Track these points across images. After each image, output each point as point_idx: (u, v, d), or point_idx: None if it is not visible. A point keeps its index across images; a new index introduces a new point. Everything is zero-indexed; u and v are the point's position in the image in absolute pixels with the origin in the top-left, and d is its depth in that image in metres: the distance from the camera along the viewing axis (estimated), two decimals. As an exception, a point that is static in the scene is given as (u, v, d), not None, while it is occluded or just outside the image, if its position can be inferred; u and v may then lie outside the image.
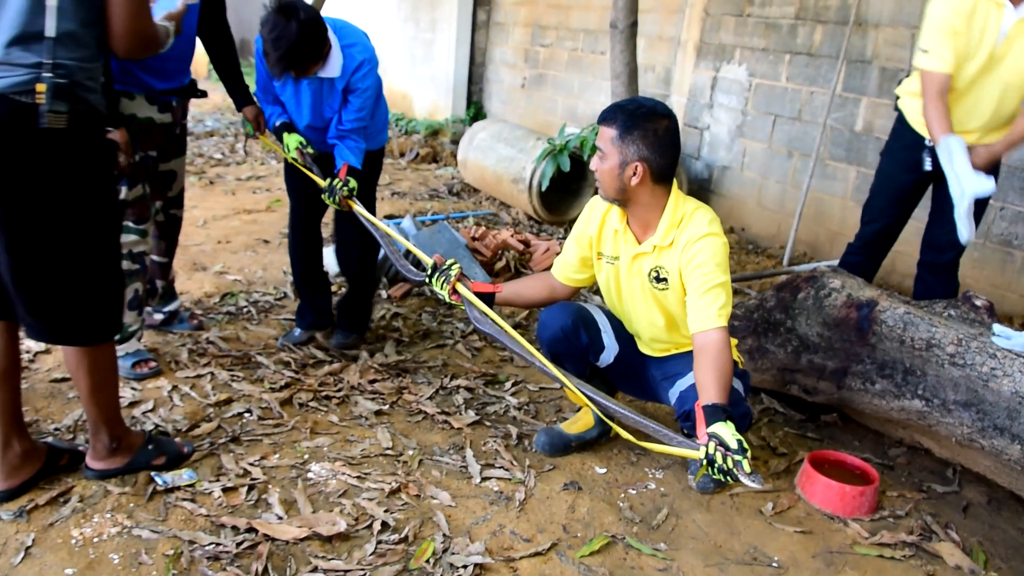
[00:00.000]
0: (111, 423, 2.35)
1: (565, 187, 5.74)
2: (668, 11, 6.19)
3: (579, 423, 2.77)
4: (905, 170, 3.27)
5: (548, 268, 4.52)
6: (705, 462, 1.89)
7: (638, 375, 2.68)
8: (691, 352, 2.56)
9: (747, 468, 1.83)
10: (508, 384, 3.23)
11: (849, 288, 2.96)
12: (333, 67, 2.96)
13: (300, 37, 2.74)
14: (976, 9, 2.89)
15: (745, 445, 1.88)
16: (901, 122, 3.29)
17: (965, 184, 2.88)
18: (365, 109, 3.01)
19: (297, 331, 3.47)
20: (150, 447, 2.45)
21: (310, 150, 3.19)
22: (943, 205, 3.10)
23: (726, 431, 1.91)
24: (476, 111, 8.65)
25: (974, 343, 2.58)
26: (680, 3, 6.06)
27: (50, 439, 2.53)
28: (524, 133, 6.05)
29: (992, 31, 2.90)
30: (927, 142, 3.12)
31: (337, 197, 2.95)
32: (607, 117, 2.33)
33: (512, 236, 4.81)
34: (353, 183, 2.97)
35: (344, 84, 2.98)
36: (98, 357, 2.26)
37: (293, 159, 3.17)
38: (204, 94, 3.16)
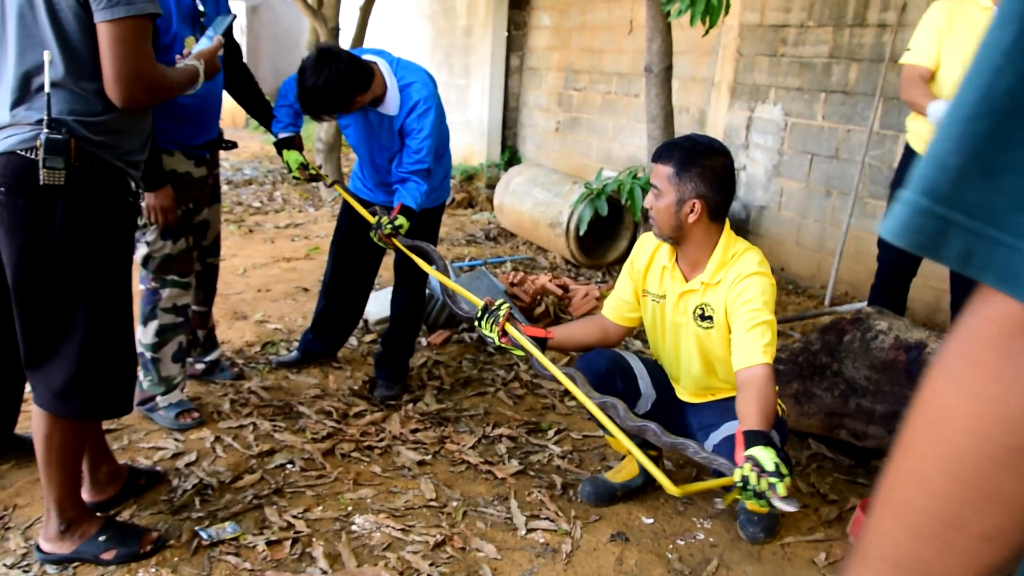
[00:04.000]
0: (62, 505, 2.21)
1: (602, 231, 5.74)
2: (701, 53, 6.21)
3: (624, 471, 2.73)
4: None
5: (588, 312, 4.53)
6: (739, 484, 1.83)
7: (675, 423, 2.63)
8: (728, 400, 2.53)
9: (781, 491, 1.77)
10: (551, 432, 3.19)
11: (897, 330, 2.91)
12: (391, 105, 3.01)
13: (324, 92, 2.85)
14: (967, 11, 3.10)
15: (784, 470, 1.82)
16: (906, 146, 3.45)
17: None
18: (423, 150, 3.01)
19: (294, 354, 3.70)
20: (101, 538, 2.25)
21: (314, 171, 3.32)
22: None
23: (764, 454, 1.85)
24: (511, 155, 8.71)
25: (1030, 385, 2.51)
26: (713, 45, 6.08)
27: (129, 462, 2.70)
28: (560, 177, 6.07)
29: (983, 30, 2.99)
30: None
31: (378, 235, 2.98)
32: (663, 155, 2.32)
33: (550, 281, 4.80)
34: (401, 221, 2.98)
35: (400, 124, 3.02)
36: (68, 432, 2.17)
37: (295, 178, 3.30)
38: (234, 145, 3.21)
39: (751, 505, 1.83)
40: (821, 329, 3.14)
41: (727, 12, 3.73)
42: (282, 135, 3.27)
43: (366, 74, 2.92)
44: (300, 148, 3.31)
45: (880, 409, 2.82)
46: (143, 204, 2.82)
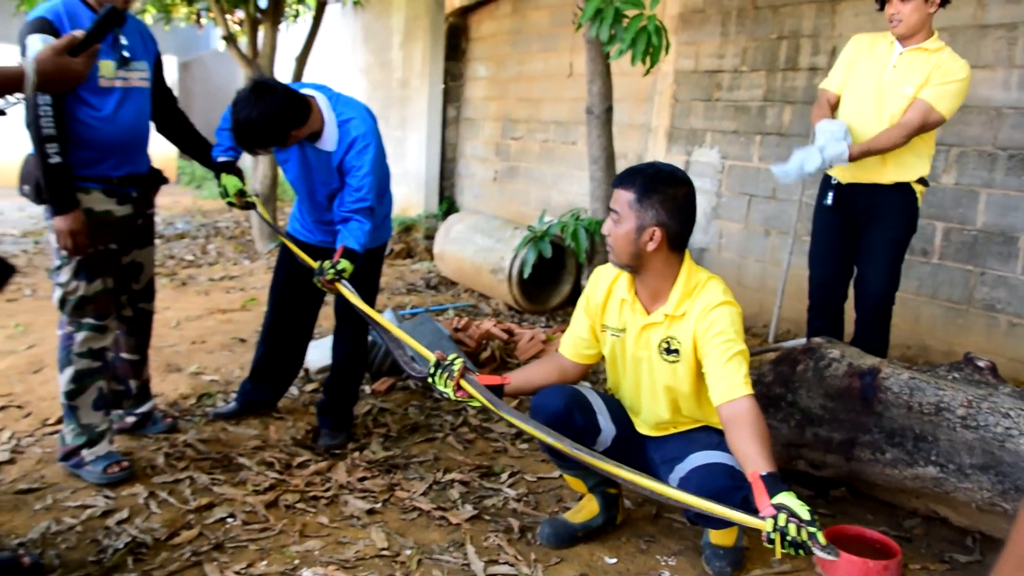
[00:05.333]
0: None
1: (545, 276, 5.70)
2: (638, 99, 6.30)
3: (583, 511, 2.63)
4: (820, 208, 3.63)
5: (535, 356, 4.45)
6: (776, 535, 1.75)
7: (637, 458, 2.56)
8: (691, 431, 2.47)
9: (822, 540, 1.71)
10: (504, 476, 3.08)
11: (849, 357, 2.90)
12: (328, 141, 2.93)
13: (258, 124, 2.76)
14: (875, 45, 3.44)
15: (814, 516, 1.76)
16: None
17: (819, 135, 3.36)
18: (364, 188, 2.92)
19: (232, 404, 3.53)
20: None
21: (250, 199, 3.20)
22: (868, 251, 3.46)
23: (794, 501, 1.79)
24: (448, 206, 8.68)
25: (985, 404, 2.51)
26: (649, 91, 6.17)
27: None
28: (501, 223, 6.04)
29: (883, 62, 3.39)
30: (832, 180, 3.53)
31: (320, 280, 2.86)
32: (625, 180, 2.28)
33: (495, 326, 4.72)
34: (344, 265, 2.87)
35: (339, 161, 2.94)
36: None
37: (230, 203, 3.18)
38: (166, 180, 3.09)
39: (778, 551, 1.75)
40: (773, 360, 3.12)
41: (667, 51, 3.77)
42: (221, 158, 3.16)
43: (302, 108, 2.84)
44: (240, 176, 3.19)
45: (837, 437, 2.79)
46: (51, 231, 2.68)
